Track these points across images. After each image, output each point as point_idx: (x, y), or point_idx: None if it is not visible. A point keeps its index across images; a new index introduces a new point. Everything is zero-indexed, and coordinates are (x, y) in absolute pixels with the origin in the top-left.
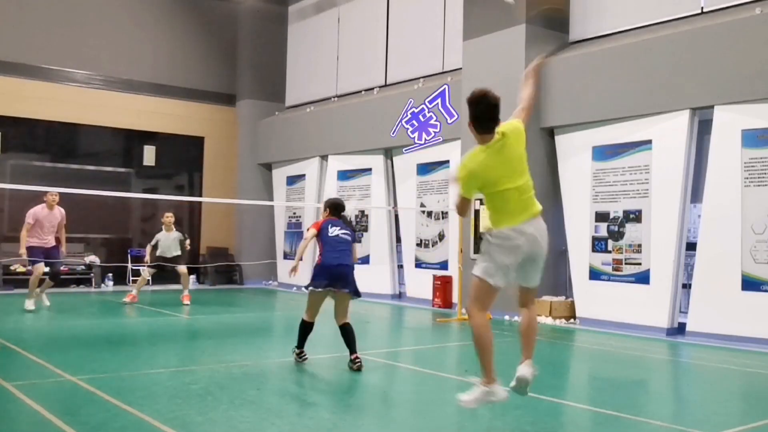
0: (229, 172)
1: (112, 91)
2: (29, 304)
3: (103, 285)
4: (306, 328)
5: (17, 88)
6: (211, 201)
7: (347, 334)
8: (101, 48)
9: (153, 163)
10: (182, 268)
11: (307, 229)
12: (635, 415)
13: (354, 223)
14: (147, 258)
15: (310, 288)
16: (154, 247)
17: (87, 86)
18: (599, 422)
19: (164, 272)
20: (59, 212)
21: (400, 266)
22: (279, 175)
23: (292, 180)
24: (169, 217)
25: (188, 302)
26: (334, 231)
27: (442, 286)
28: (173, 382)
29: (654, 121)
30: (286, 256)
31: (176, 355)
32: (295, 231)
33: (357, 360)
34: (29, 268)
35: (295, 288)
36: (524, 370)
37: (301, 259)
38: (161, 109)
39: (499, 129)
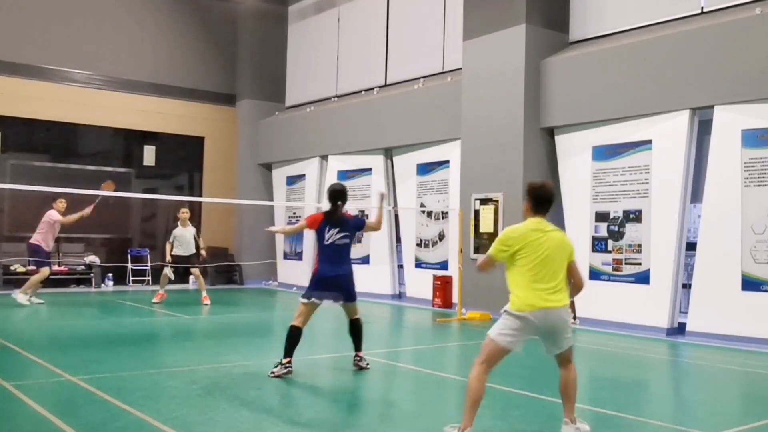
0: (229, 172)
1: (112, 91)
2: (24, 299)
3: (103, 285)
4: (295, 336)
5: (17, 88)
6: (211, 201)
7: (354, 330)
8: (101, 48)
9: (153, 163)
10: (195, 270)
11: (306, 219)
12: (635, 415)
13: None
14: (168, 257)
15: (306, 299)
16: (172, 244)
17: (87, 86)
18: (600, 422)
19: (178, 271)
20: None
21: (400, 266)
22: (279, 175)
23: (292, 180)
24: (184, 213)
25: (208, 302)
26: (331, 236)
27: (442, 286)
28: (173, 382)
29: (654, 121)
30: (286, 256)
31: (176, 355)
32: None
33: (358, 359)
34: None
35: (295, 288)
36: (584, 426)
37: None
38: (161, 109)
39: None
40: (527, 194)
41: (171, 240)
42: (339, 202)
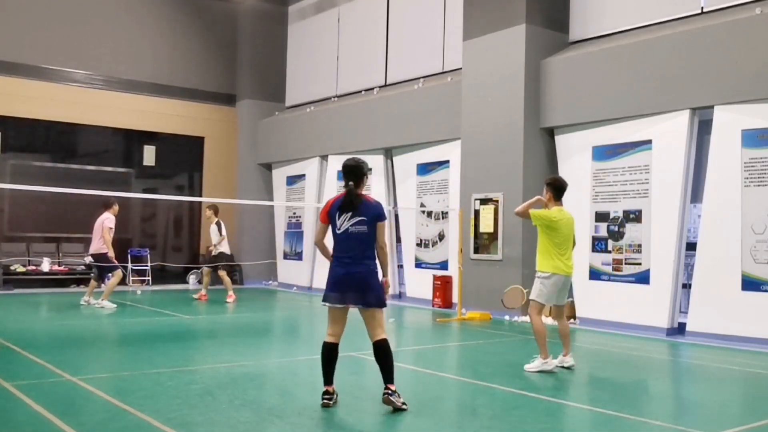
0: (229, 172)
1: (113, 91)
2: (109, 305)
3: (103, 285)
4: (325, 355)
5: (17, 88)
6: (211, 201)
7: (380, 355)
8: (101, 48)
9: (153, 163)
10: (221, 271)
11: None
12: (635, 415)
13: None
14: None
15: (324, 303)
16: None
17: (87, 86)
18: (600, 422)
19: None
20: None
21: (400, 266)
22: (279, 175)
23: (292, 180)
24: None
25: (231, 301)
26: (343, 222)
27: (442, 286)
28: (173, 383)
29: (654, 121)
30: (286, 256)
31: (176, 355)
32: (295, 231)
33: (388, 392)
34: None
35: (295, 288)
36: (570, 360)
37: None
38: (161, 109)
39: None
40: (549, 186)
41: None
42: (351, 182)
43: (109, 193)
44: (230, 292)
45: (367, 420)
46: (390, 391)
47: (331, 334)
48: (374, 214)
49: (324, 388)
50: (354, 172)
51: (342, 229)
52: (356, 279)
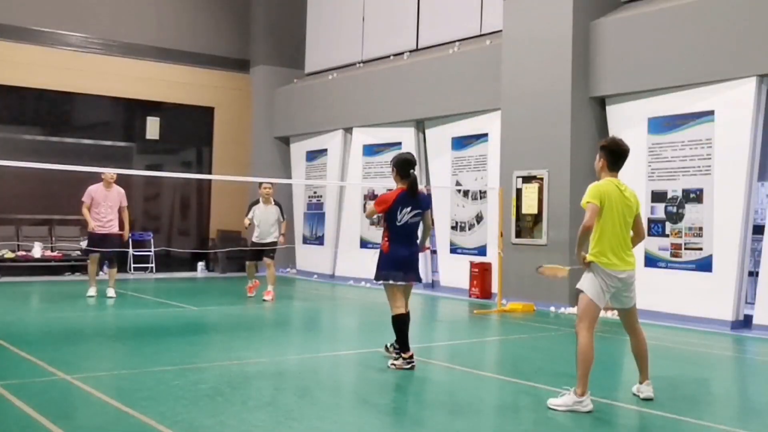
0: (242, 147)
1: (112, 55)
2: (91, 291)
3: (101, 273)
4: (402, 324)
5: (5, 53)
6: (222, 179)
7: (407, 323)
8: (99, 8)
9: (157, 137)
10: (270, 261)
11: (375, 204)
12: (697, 418)
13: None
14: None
15: (385, 281)
16: (252, 222)
17: (83, 50)
18: (657, 427)
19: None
20: (117, 192)
21: (434, 252)
22: (298, 150)
23: (312, 155)
24: (267, 188)
25: (269, 298)
26: (403, 216)
27: (480, 274)
28: (179, 382)
29: (717, 90)
30: (305, 241)
31: (183, 351)
32: (315, 212)
33: (410, 359)
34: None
35: (315, 276)
36: (650, 391)
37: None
38: (166, 76)
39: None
40: (603, 150)
41: (250, 216)
42: (412, 171)
43: (108, 170)
44: (270, 287)
45: (395, 423)
46: (411, 358)
47: (399, 306)
48: (425, 204)
49: (408, 354)
50: (412, 164)
51: (402, 222)
52: (414, 259)
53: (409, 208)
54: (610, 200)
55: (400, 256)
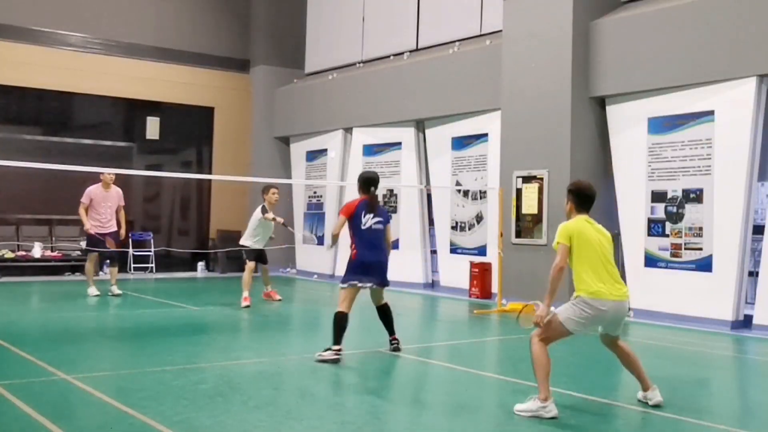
0: (242, 147)
1: (112, 56)
2: (92, 291)
3: (101, 273)
4: (343, 321)
5: (5, 53)
6: (222, 179)
7: (385, 314)
8: (99, 8)
9: (157, 137)
10: (267, 267)
11: (339, 214)
12: (697, 418)
13: (382, 203)
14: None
15: (347, 285)
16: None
17: (83, 50)
18: (658, 426)
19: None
20: (116, 192)
21: (433, 252)
22: (298, 150)
23: (312, 155)
24: (276, 194)
25: (280, 297)
26: (367, 222)
27: (480, 274)
28: (180, 382)
29: (717, 90)
30: (305, 241)
31: (183, 351)
32: (315, 212)
33: (394, 341)
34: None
35: (315, 276)
36: (657, 395)
37: (335, 241)
38: (166, 76)
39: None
40: (570, 193)
41: (271, 217)
42: (373, 188)
43: (107, 170)
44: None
45: (395, 423)
46: (396, 341)
47: (347, 307)
48: (386, 216)
49: (338, 347)
50: (375, 182)
51: (367, 226)
52: (381, 265)
53: (371, 215)
54: (581, 235)
55: (367, 261)
